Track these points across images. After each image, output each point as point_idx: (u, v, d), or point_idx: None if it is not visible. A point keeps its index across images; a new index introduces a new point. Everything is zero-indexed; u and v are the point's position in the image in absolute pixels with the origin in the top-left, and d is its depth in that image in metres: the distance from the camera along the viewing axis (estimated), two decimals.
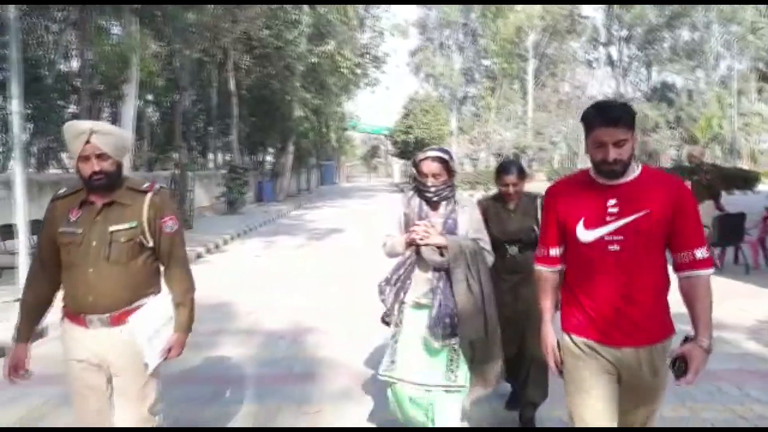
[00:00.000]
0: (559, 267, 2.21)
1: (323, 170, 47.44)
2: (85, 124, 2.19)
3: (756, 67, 38.99)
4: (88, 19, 11.57)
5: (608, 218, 2.00)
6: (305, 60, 19.15)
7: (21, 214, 7.06)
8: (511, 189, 3.28)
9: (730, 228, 8.02)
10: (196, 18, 13.95)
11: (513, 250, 3.28)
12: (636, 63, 49.24)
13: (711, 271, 2.03)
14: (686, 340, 1.99)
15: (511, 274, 3.22)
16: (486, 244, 2.80)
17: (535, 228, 3.22)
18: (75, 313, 2.26)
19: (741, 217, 8.23)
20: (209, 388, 4.24)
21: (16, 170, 7.05)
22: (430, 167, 2.70)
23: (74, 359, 2.27)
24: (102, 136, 2.16)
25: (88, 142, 2.14)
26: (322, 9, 19.71)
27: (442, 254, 2.64)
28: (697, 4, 38.37)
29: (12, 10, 6.51)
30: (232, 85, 18.79)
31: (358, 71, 24.22)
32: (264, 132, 23.89)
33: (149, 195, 2.28)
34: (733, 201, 15.55)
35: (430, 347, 2.67)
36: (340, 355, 4.83)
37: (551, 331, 2.22)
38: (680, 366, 1.93)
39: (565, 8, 44.68)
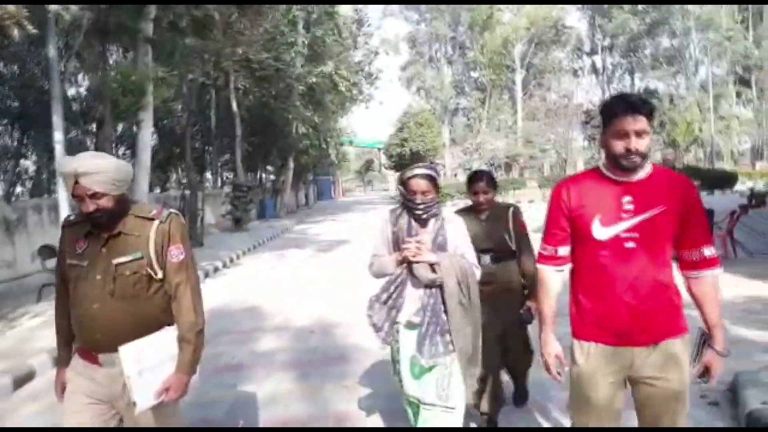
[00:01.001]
0: (565, 267, 2.18)
1: (320, 185, 48.10)
2: (71, 166, 2.03)
3: (734, 71, 40.30)
4: (91, 48, 12.24)
5: (624, 215, 2.00)
6: (304, 80, 19.96)
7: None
8: (482, 197, 3.37)
9: None
10: (199, 44, 14.67)
11: (485, 259, 3.33)
12: (619, 70, 50.76)
13: (719, 269, 2.07)
14: (703, 337, 2.09)
15: (485, 285, 3.07)
16: (473, 258, 2.82)
17: (506, 237, 3.38)
18: (86, 351, 2.17)
19: (709, 213, 9.17)
20: (259, 372, 4.94)
21: (60, 194, 7.74)
22: (419, 185, 2.69)
23: (80, 394, 2.16)
24: (90, 176, 2.02)
25: (77, 183, 2.03)
26: (318, 30, 20.59)
27: (434, 271, 2.65)
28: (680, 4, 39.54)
29: (52, 50, 7.23)
30: (234, 106, 19.54)
31: (355, 91, 25.10)
32: (264, 150, 24.65)
33: (156, 223, 2.17)
34: (712, 200, 16.47)
35: (418, 365, 2.66)
36: (369, 342, 5.48)
37: (554, 339, 2.17)
38: (704, 374, 2.07)
39: (550, 19, 46.05)
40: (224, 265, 11.89)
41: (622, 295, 2.00)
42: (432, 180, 2.72)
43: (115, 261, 2.10)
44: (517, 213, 3.45)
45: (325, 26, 22.13)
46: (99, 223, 2.11)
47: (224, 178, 29.17)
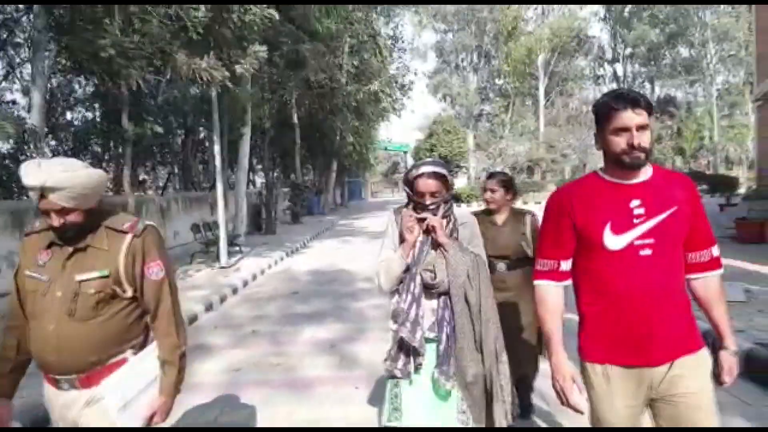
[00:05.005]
0: (567, 282, 2.01)
1: (351, 186, 51.34)
2: (36, 179, 1.80)
3: (749, 81, 42.52)
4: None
5: (636, 220, 1.84)
6: (353, 97, 23.40)
7: None
8: (488, 194, 3.35)
9: None
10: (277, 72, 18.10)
11: (501, 266, 3.26)
12: (639, 79, 53.01)
13: (722, 270, 1.99)
14: (713, 346, 1.99)
15: (497, 291, 2.87)
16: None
17: (524, 244, 3.31)
18: (45, 373, 2.01)
19: None
20: (367, 297, 8.15)
21: (218, 188, 11.14)
22: (428, 185, 2.43)
23: (55, 420, 2.06)
24: (57, 192, 1.82)
25: (43, 196, 1.83)
26: (365, 54, 24.02)
27: (435, 277, 2.41)
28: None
29: (214, 91, 10.61)
30: (295, 119, 22.98)
31: (396, 105, 28.58)
32: (312, 154, 28.15)
33: (128, 237, 1.99)
34: (712, 201, 19.32)
35: (437, 387, 2.40)
36: None
37: (566, 360, 1.96)
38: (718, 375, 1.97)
39: (572, 29, 48.74)
40: (301, 247, 15.22)
41: (640, 310, 1.85)
42: (442, 178, 2.46)
43: (79, 277, 1.93)
44: (534, 219, 3.40)
45: (368, 46, 25.49)
46: (65, 238, 1.96)
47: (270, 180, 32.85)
